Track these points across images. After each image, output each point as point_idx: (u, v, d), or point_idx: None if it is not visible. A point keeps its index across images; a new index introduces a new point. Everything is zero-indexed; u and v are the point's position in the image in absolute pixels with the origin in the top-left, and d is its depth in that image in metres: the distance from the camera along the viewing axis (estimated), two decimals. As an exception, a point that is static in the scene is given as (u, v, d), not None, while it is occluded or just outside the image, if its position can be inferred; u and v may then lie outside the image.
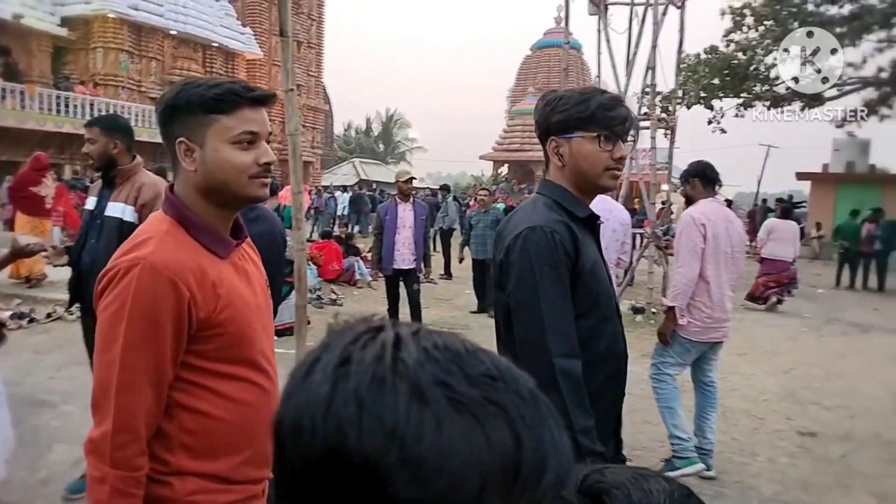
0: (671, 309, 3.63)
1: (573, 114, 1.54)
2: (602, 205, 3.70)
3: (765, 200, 23.23)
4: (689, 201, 3.88)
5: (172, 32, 24.85)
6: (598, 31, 9.60)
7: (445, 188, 15.14)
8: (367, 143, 51.84)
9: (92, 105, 20.51)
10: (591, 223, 1.63)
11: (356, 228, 18.62)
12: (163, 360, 1.20)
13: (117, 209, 2.90)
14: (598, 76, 10.46)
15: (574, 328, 1.50)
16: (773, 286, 9.65)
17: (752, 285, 9.88)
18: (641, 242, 9.80)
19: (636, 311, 8.72)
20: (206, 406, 1.26)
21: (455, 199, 14.91)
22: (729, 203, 15.76)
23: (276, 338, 2.89)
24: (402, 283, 6.27)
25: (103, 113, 15.43)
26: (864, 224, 13.03)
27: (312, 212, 20.27)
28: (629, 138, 1.61)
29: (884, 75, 17.50)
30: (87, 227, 3.01)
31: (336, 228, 14.86)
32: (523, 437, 0.40)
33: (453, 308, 8.71)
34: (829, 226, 16.96)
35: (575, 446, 1.38)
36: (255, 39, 28.71)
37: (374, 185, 30.08)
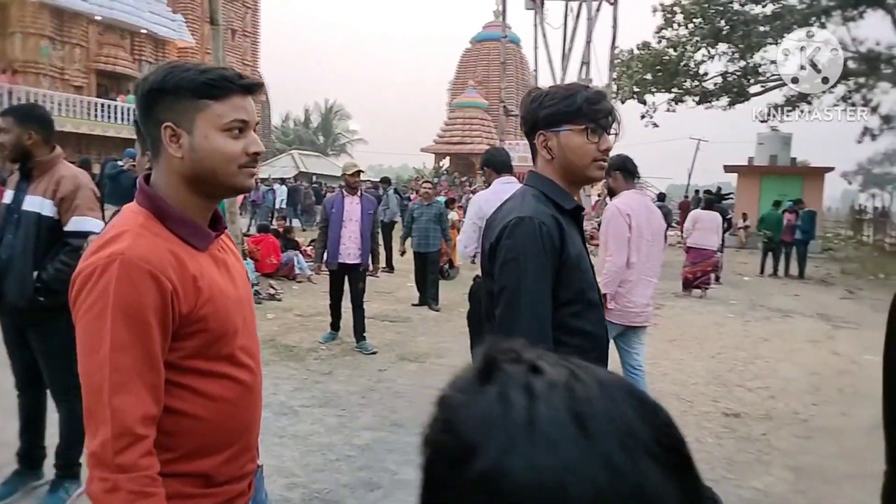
0: (603, 296, 3.78)
1: (561, 108, 1.61)
2: (508, 190, 3.91)
3: (697, 192, 24.14)
4: (612, 193, 4.11)
5: (97, 18, 23.69)
6: (535, 25, 9.75)
7: (386, 181, 15.04)
8: (306, 135, 50.96)
9: (10, 94, 19.38)
10: (577, 214, 1.69)
11: (295, 222, 18.31)
12: (154, 358, 1.15)
13: (35, 203, 2.77)
14: (536, 70, 10.61)
15: (549, 319, 1.55)
16: (699, 274, 10.21)
17: (682, 273, 10.39)
18: (578, 234, 10.01)
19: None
20: (185, 406, 1.21)
21: (396, 191, 14.84)
22: (662, 196, 16.35)
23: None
24: (346, 279, 6.20)
25: (23, 102, 14.63)
26: (786, 214, 13.73)
27: (249, 205, 19.81)
28: (613, 131, 1.66)
29: (803, 73, 18.46)
30: (4, 221, 2.86)
31: (274, 222, 14.59)
32: (700, 482, 0.43)
33: (395, 301, 8.71)
34: (754, 216, 17.79)
35: None
36: (187, 26, 27.72)
37: (314, 178, 29.63)
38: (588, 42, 9.28)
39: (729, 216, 15.08)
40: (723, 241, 12.63)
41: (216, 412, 1.24)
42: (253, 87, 1.26)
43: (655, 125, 20.00)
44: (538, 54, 10.23)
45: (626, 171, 3.97)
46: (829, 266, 15.76)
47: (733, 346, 6.93)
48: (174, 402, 1.20)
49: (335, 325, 6.33)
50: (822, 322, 8.58)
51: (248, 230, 14.15)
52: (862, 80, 18.49)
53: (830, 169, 22.60)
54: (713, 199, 11.14)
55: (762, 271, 13.79)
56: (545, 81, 14.93)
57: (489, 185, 4.09)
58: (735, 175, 22.56)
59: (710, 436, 4.32)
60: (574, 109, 1.60)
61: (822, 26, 17.53)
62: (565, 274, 1.58)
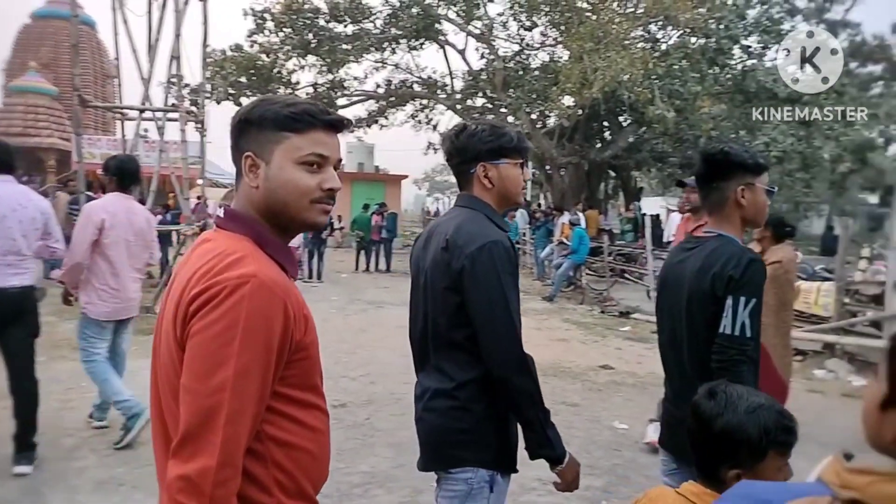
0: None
1: (502, 143, 1.86)
2: (21, 195, 3.82)
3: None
4: (104, 190, 4.69)
5: None
6: (114, 9, 8.73)
7: None
8: None
9: None
10: None
11: None
12: (267, 388, 1.12)
13: None
14: (117, 59, 9.54)
15: None
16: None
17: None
18: (178, 239, 9.40)
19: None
20: (294, 438, 1.18)
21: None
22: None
23: None
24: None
25: None
26: (374, 216, 15.37)
27: None
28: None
29: (381, 91, 20.84)
30: None
31: None
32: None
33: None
34: (347, 218, 19.41)
35: (543, 412, 1.75)
36: None
37: None
38: (177, 36, 8.72)
39: (331, 220, 16.16)
40: (325, 241, 13.46)
41: (315, 443, 1.23)
42: (338, 124, 1.27)
43: (254, 129, 20.05)
44: (119, 42, 9.17)
45: (120, 179, 4.31)
46: (408, 260, 18.20)
47: (337, 339, 7.41)
48: (283, 434, 1.17)
49: None
50: (408, 310, 9.84)
51: None
52: (425, 101, 21.81)
53: (405, 176, 26.20)
54: None
55: (357, 268, 15.14)
56: (129, 72, 13.54)
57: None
58: (329, 180, 24.26)
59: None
60: (513, 146, 1.87)
61: (394, 51, 20.11)
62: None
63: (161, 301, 1.31)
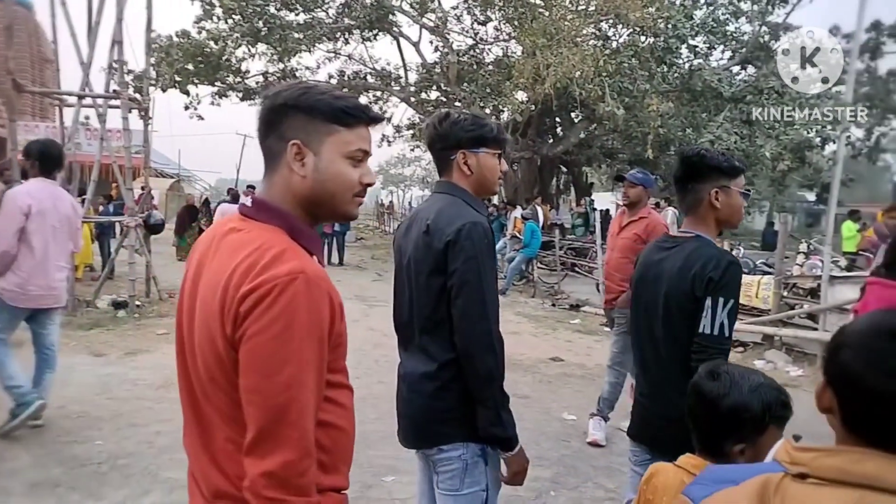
0: None
1: (483, 133, 1.92)
2: None
3: (249, 187, 24.55)
4: (25, 175, 4.63)
5: None
6: (51, -11, 8.33)
7: None
8: None
9: None
10: None
11: None
12: (323, 378, 1.17)
13: None
14: (55, 43, 9.13)
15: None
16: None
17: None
18: (121, 231, 9.09)
19: (118, 305, 8.07)
20: (331, 417, 1.23)
21: None
22: (236, 197, 16.19)
23: None
24: None
25: None
26: (326, 209, 15.24)
27: None
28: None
29: (334, 81, 20.54)
30: None
31: None
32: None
33: None
34: (299, 210, 19.05)
35: (501, 393, 1.82)
36: None
37: None
38: (119, 20, 8.40)
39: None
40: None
41: (347, 421, 1.28)
42: (378, 120, 1.31)
43: (201, 118, 19.53)
44: (57, 24, 8.78)
45: (42, 163, 4.16)
46: (362, 253, 18.11)
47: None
48: (323, 415, 1.20)
49: None
50: (360, 303, 9.77)
51: None
52: (379, 93, 21.62)
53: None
54: (237, 195, 13.44)
55: (308, 261, 14.95)
56: (68, 56, 13.02)
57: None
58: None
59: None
60: (493, 136, 1.94)
61: (347, 42, 19.85)
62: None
63: (182, 291, 1.29)
